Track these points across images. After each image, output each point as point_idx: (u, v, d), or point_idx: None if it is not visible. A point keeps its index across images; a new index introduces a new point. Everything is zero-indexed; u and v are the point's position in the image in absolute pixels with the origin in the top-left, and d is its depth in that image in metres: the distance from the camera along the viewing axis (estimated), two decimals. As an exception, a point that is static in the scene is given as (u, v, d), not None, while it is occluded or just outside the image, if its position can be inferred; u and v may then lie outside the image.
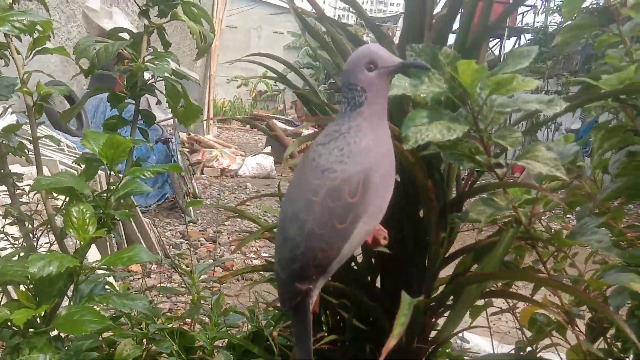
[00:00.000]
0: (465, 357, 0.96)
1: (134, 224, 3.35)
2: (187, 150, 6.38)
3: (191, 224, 4.59)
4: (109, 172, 0.88)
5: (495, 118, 0.71)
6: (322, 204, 0.55)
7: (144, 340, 1.15)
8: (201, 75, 8.56)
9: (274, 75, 0.98)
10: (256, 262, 3.73)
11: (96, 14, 5.15)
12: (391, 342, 0.55)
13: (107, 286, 0.95)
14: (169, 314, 1.39)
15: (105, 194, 0.89)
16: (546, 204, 0.95)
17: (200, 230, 4.42)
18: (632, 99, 0.91)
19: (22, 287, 0.80)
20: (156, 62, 0.97)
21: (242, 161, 7.00)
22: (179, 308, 2.55)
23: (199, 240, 4.13)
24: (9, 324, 0.83)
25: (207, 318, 1.35)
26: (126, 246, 3.13)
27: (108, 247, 3.11)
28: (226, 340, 1.25)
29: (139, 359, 1.11)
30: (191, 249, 3.94)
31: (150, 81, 1.01)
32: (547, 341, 1.03)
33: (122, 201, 0.96)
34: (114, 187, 0.89)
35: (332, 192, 0.55)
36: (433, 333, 0.88)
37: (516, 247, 0.92)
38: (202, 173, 6.57)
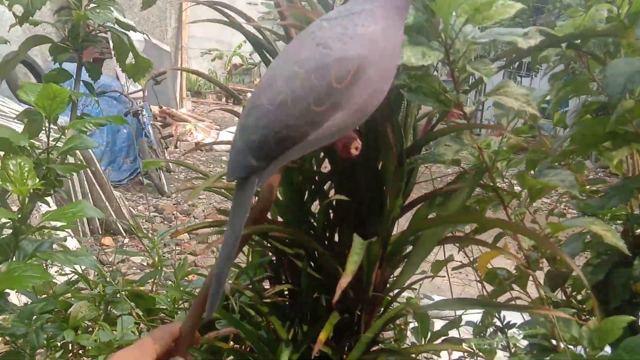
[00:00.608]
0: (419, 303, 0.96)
1: (104, 199, 3.27)
2: (160, 124, 6.22)
3: (164, 197, 4.53)
4: (48, 125, 0.83)
5: (468, 51, 0.69)
6: (305, 78, 0.49)
7: (102, 304, 1.12)
8: (172, 48, 8.32)
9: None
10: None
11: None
12: (344, 281, 0.53)
13: (55, 246, 0.91)
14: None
15: (45, 150, 0.84)
16: (507, 163, 0.94)
17: (173, 204, 4.36)
18: (586, 46, 0.89)
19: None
20: (97, 10, 0.91)
21: (217, 135, 6.89)
22: (128, 274, 2.53)
23: (173, 214, 4.08)
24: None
25: (171, 282, 1.32)
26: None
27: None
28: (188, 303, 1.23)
29: (97, 319, 1.08)
30: (165, 221, 3.89)
31: (93, 32, 0.96)
32: (507, 296, 1.04)
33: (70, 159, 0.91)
34: (55, 142, 0.84)
35: (320, 69, 0.49)
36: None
37: (477, 200, 0.91)
38: (176, 147, 6.45)
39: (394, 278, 0.81)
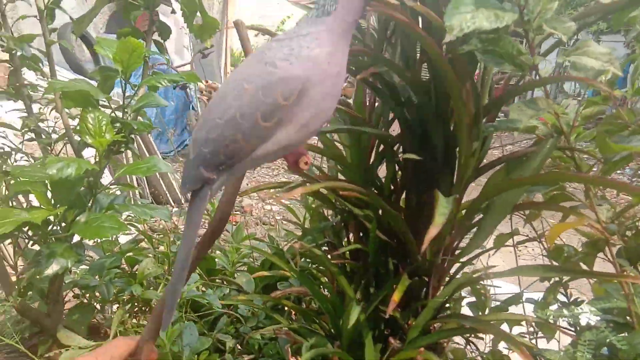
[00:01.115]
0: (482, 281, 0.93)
1: (158, 175, 3.36)
2: (205, 97, 6.31)
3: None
4: (123, 82, 0.84)
5: (542, 10, 0.65)
6: (253, 94, 0.51)
7: (164, 261, 1.15)
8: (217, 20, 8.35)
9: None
10: (275, 207, 3.76)
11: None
12: (432, 231, 0.51)
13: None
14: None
15: (121, 106, 0.86)
16: (578, 134, 0.89)
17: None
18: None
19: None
20: (170, -32, 0.91)
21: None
22: None
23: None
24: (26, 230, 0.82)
25: (227, 246, 1.35)
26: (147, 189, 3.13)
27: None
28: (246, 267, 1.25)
29: (159, 277, 1.12)
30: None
31: (165, -10, 0.96)
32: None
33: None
34: (130, 99, 0.86)
35: (267, 86, 0.51)
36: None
37: (550, 172, 0.87)
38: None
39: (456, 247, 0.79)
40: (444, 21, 0.59)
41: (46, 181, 0.79)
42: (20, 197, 1.24)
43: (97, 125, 0.78)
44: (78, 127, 0.96)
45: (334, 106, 0.54)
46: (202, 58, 5.19)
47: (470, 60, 0.76)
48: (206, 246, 0.64)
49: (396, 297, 0.65)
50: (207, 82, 6.81)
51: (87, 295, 1.07)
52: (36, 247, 1.10)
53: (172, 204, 3.55)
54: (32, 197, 1.09)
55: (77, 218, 0.78)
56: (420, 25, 0.72)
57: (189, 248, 0.55)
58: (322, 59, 0.51)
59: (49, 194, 0.78)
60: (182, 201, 3.63)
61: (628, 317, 0.81)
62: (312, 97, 0.51)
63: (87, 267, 1.03)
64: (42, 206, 0.74)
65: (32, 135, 1.00)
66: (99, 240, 1.17)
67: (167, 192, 3.49)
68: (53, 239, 0.80)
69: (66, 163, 0.71)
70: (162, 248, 1.22)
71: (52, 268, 0.74)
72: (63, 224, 0.81)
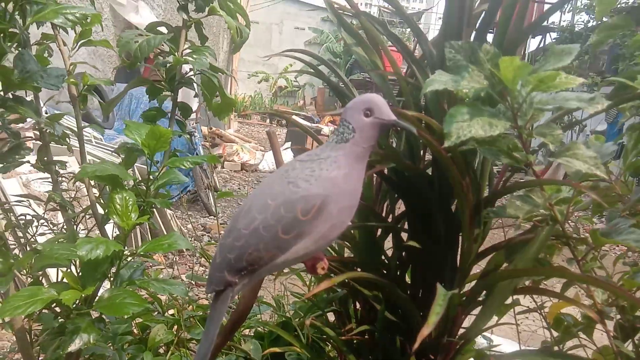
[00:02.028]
0: (491, 352, 0.96)
1: (157, 216, 3.41)
2: (209, 144, 6.44)
3: (212, 216, 4.66)
4: (148, 162, 0.90)
5: (534, 115, 0.72)
6: (275, 209, 0.58)
7: (175, 327, 1.18)
8: (223, 68, 8.62)
9: (309, 69, 0.99)
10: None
11: (123, 7, 5.23)
12: (425, 331, 0.56)
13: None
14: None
15: (144, 183, 0.92)
16: (575, 204, 0.95)
17: (221, 224, 4.47)
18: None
19: (63, 271, 0.83)
20: (194, 56, 1.00)
21: (262, 156, 7.05)
22: (200, 298, 2.60)
23: (220, 234, 4.18)
24: (53, 306, 0.86)
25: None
26: (149, 237, 3.18)
27: (132, 237, 3.18)
28: (253, 330, 1.28)
29: (170, 344, 1.14)
30: (212, 240, 3.99)
31: (188, 74, 1.04)
32: (573, 342, 1.03)
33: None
34: (153, 177, 0.92)
35: (288, 203, 0.58)
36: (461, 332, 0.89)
37: (549, 247, 0.92)
38: (222, 167, 6.64)
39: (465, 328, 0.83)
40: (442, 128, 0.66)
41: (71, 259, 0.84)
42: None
43: (124, 206, 0.84)
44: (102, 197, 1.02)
45: (350, 218, 0.60)
46: (206, 106, 5.30)
47: (472, 152, 0.82)
48: (229, 335, 0.68)
49: (404, 380, 0.69)
50: (210, 128, 6.97)
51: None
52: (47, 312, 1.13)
53: (173, 251, 3.58)
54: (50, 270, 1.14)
55: (100, 294, 0.82)
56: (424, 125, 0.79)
57: (209, 343, 0.61)
58: (339, 180, 0.59)
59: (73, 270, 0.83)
60: (185, 250, 3.66)
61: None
62: (330, 212, 0.58)
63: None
64: (69, 283, 0.78)
65: (55, 205, 1.06)
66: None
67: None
68: (74, 314, 0.84)
69: (95, 245, 0.76)
70: (171, 311, 1.25)
71: (76, 344, 0.77)
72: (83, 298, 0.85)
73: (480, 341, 1.30)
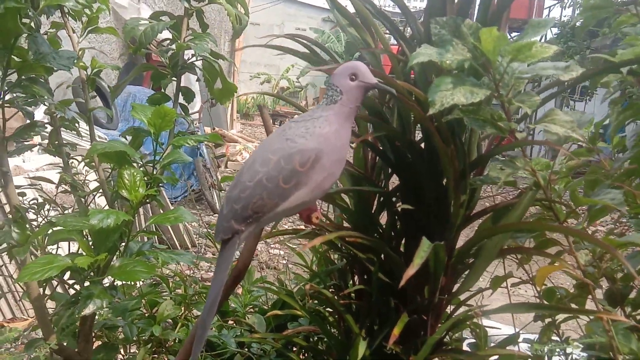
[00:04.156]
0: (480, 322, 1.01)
1: (161, 212, 3.47)
2: (213, 144, 6.50)
3: (216, 214, 4.71)
4: (154, 142, 0.96)
5: (515, 84, 0.76)
6: (276, 163, 0.65)
7: (182, 303, 1.23)
8: (225, 72, 8.70)
9: (311, 69, 1.04)
10: (280, 252, 3.84)
11: (125, 10, 5.31)
12: (410, 271, 0.61)
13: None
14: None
15: (152, 163, 0.97)
16: (566, 184, 0.99)
17: (225, 221, 4.52)
18: (647, 71, 0.95)
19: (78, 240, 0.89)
20: (196, 42, 1.05)
21: (265, 155, 7.10)
22: (208, 283, 2.66)
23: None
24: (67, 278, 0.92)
25: (239, 289, 1.43)
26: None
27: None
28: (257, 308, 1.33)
29: (177, 318, 1.20)
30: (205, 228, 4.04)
31: (190, 60, 1.09)
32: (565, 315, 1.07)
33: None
34: (159, 156, 0.97)
35: (287, 156, 0.65)
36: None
37: (538, 218, 0.96)
38: (226, 167, 6.70)
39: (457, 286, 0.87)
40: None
41: (84, 230, 0.90)
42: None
43: (132, 181, 0.89)
44: (111, 181, 1.08)
45: (340, 170, 0.67)
46: (210, 107, 5.41)
47: (459, 123, 0.87)
48: (230, 290, 0.74)
49: (396, 331, 0.74)
50: (214, 128, 7.03)
51: (110, 335, 1.14)
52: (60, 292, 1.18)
53: (179, 248, 3.64)
54: (63, 244, 1.19)
55: (112, 263, 0.87)
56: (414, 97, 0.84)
57: (219, 288, 0.66)
58: (330, 135, 0.66)
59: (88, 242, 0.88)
60: (190, 246, 3.72)
61: (611, 353, 0.88)
62: (324, 164, 0.65)
63: (109, 309, 1.11)
64: (83, 252, 0.84)
65: (66, 187, 1.11)
66: (119, 283, 1.26)
67: (174, 237, 3.59)
68: (88, 282, 0.89)
69: (106, 214, 0.81)
70: (178, 290, 1.31)
71: (89, 308, 0.82)
72: (97, 269, 0.91)
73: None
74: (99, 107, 1.12)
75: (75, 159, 1.11)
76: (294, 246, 1.45)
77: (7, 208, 0.99)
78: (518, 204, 0.84)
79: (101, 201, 1.24)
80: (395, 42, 1.00)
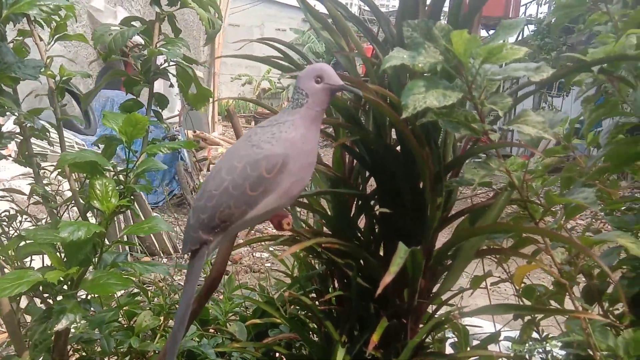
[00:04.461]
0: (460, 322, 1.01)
1: (143, 219, 3.43)
2: (194, 147, 6.44)
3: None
4: (126, 150, 0.94)
5: (487, 86, 0.77)
6: (242, 170, 0.64)
7: (161, 313, 1.21)
8: (205, 74, 8.64)
9: (283, 66, 1.03)
10: (264, 254, 3.81)
11: (101, 13, 5.23)
12: (387, 278, 0.61)
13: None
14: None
15: (124, 172, 0.95)
16: (543, 181, 1.00)
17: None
18: (617, 71, 0.96)
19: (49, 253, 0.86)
20: (168, 47, 1.03)
21: (247, 157, 7.06)
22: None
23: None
24: (40, 289, 0.89)
25: (220, 295, 1.41)
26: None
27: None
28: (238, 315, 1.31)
29: (156, 329, 1.17)
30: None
31: (163, 66, 1.07)
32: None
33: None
34: (132, 164, 0.95)
35: (253, 163, 0.64)
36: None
37: (513, 218, 0.97)
38: (208, 170, 6.65)
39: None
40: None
41: (55, 243, 0.87)
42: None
43: (104, 191, 0.87)
44: (83, 191, 1.05)
45: (309, 175, 0.66)
46: (190, 109, 5.37)
47: (434, 126, 0.87)
48: (204, 300, 0.73)
49: (375, 337, 0.73)
50: (195, 132, 6.97)
51: (87, 348, 1.12)
52: (37, 305, 1.15)
53: (162, 254, 3.60)
54: (35, 257, 1.16)
55: (85, 276, 0.85)
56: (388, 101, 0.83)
57: (188, 300, 0.65)
58: (297, 140, 0.65)
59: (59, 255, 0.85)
60: (172, 252, 3.68)
61: (589, 350, 0.89)
62: (291, 169, 0.64)
63: (86, 321, 1.09)
64: (54, 266, 0.81)
65: (37, 198, 1.08)
66: (95, 295, 1.23)
67: (156, 243, 3.55)
68: (61, 296, 0.87)
69: (77, 226, 0.79)
70: (157, 300, 1.28)
71: (62, 323, 0.80)
72: (69, 282, 0.88)
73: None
74: (73, 116, 1.09)
75: (47, 170, 1.08)
76: (276, 251, 1.44)
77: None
78: (494, 205, 0.84)
79: (76, 212, 1.21)
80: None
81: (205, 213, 0.64)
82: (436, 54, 0.77)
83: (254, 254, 3.85)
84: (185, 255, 3.70)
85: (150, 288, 1.36)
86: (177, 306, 1.23)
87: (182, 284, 2.56)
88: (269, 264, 3.61)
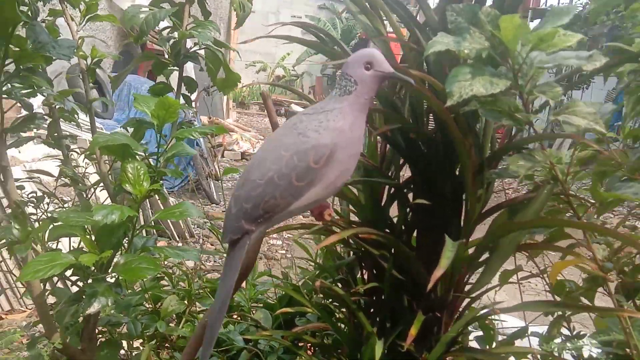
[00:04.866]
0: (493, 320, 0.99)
1: (160, 204, 3.43)
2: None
3: (214, 205, 4.68)
4: (157, 134, 0.92)
5: (534, 75, 0.74)
6: (289, 159, 0.62)
7: (186, 298, 1.21)
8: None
9: (307, 57, 1.00)
10: (278, 241, 3.82)
11: (119, -4, 5.21)
12: (438, 272, 0.59)
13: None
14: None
15: (154, 155, 0.94)
16: (574, 176, 0.97)
17: (222, 211, 4.50)
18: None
19: (82, 237, 0.86)
20: (199, 30, 1.01)
21: (261, 145, 7.07)
22: (210, 275, 2.64)
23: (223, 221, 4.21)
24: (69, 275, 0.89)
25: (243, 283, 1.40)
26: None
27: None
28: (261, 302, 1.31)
29: (182, 314, 1.17)
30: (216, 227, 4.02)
31: (192, 49, 1.05)
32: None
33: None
34: (164, 148, 0.94)
35: (300, 153, 0.62)
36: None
37: (551, 211, 0.94)
38: (222, 156, 6.65)
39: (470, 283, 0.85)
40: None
41: (85, 226, 0.87)
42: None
43: (136, 175, 0.86)
44: (110, 174, 1.04)
45: (354, 165, 0.64)
46: (206, 95, 5.34)
47: (473, 115, 0.84)
48: (236, 288, 0.72)
49: (413, 331, 0.72)
50: (210, 118, 6.97)
51: (113, 331, 1.12)
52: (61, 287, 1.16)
53: (177, 238, 3.62)
54: (62, 239, 1.16)
55: (116, 260, 0.85)
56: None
57: (228, 290, 0.64)
58: (346, 129, 0.62)
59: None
60: (187, 237, 3.70)
61: (627, 350, 0.87)
62: (339, 159, 0.62)
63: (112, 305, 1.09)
64: (87, 247, 0.81)
65: (65, 180, 1.08)
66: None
67: (172, 227, 3.57)
68: (91, 279, 0.86)
69: (110, 210, 0.78)
70: (182, 284, 1.28)
71: (94, 307, 0.80)
72: (99, 266, 0.88)
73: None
74: (101, 99, 1.08)
75: (75, 151, 1.07)
76: (296, 238, 1.43)
77: (5, 202, 0.96)
78: (535, 199, 0.81)
79: (101, 194, 1.21)
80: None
81: (249, 202, 0.63)
82: (481, 39, 0.74)
83: (268, 240, 3.86)
84: (201, 240, 3.72)
85: (174, 273, 1.36)
86: (201, 291, 1.23)
87: (201, 267, 2.54)
88: (283, 251, 3.61)
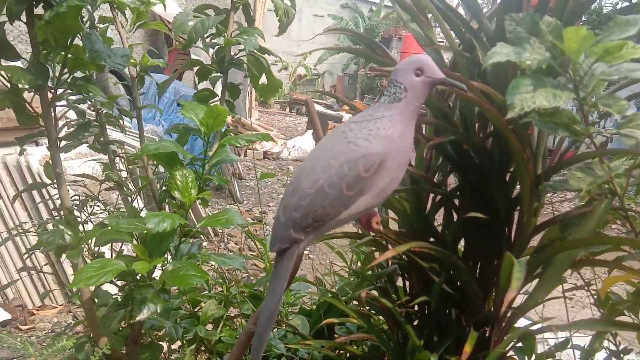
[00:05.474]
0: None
1: (200, 208, 3.46)
2: (232, 132, 6.50)
3: (237, 204, 4.71)
4: (204, 140, 0.93)
5: (596, 87, 0.71)
6: (339, 168, 0.61)
7: (224, 302, 1.22)
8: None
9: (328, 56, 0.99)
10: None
11: None
12: (510, 295, 0.57)
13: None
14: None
15: (201, 162, 0.94)
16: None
17: (246, 210, 4.53)
18: None
19: (133, 244, 0.87)
20: (244, 37, 1.01)
21: (284, 144, 7.07)
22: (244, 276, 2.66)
23: (246, 220, 4.23)
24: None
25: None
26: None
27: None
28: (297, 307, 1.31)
29: (220, 319, 1.18)
30: (241, 227, 4.04)
31: (237, 55, 1.06)
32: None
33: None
34: (209, 155, 0.94)
35: (351, 161, 0.61)
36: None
37: (603, 223, 0.92)
38: (245, 155, 6.68)
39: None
40: (505, 99, 0.67)
41: (134, 232, 0.88)
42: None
43: (184, 182, 0.86)
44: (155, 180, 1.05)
45: (403, 173, 0.64)
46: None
47: (525, 126, 0.82)
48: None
49: (467, 348, 0.71)
50: (233, 117, 7.02)
51: (153, 334, 1.13)
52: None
53: (202, 237, 3.65)
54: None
55: (164, 267, 0.85)
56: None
57: (277, 301, 0.63)
58: (396, 137, 0.62)
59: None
60: (212, 235, 3.72)
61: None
62: (389, 168, 0.61)
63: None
64: (139, 255, 0.81)
65: (109, 184, 1.09)
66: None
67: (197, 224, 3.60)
68: (139, 286, 0.87)
69: (162, 218, 0.79)
70: (218, 288, 1.29)
71: (144, 313, 0.81)
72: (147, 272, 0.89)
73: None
74: (150, 105, 1.09)
75: (119, 156, 1.08)
76: (331, 243, 1.42)
77: (50, 204, 0.97)
78: (592, 213, 0.79)
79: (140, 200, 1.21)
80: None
81: (298, 212, 0.62)
82: (542, 49, 0.72)
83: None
84: (225, 239, 3.74)
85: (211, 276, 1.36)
86: (239, 296, 1.23)
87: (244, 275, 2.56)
88: (306, 252, 3.61)
